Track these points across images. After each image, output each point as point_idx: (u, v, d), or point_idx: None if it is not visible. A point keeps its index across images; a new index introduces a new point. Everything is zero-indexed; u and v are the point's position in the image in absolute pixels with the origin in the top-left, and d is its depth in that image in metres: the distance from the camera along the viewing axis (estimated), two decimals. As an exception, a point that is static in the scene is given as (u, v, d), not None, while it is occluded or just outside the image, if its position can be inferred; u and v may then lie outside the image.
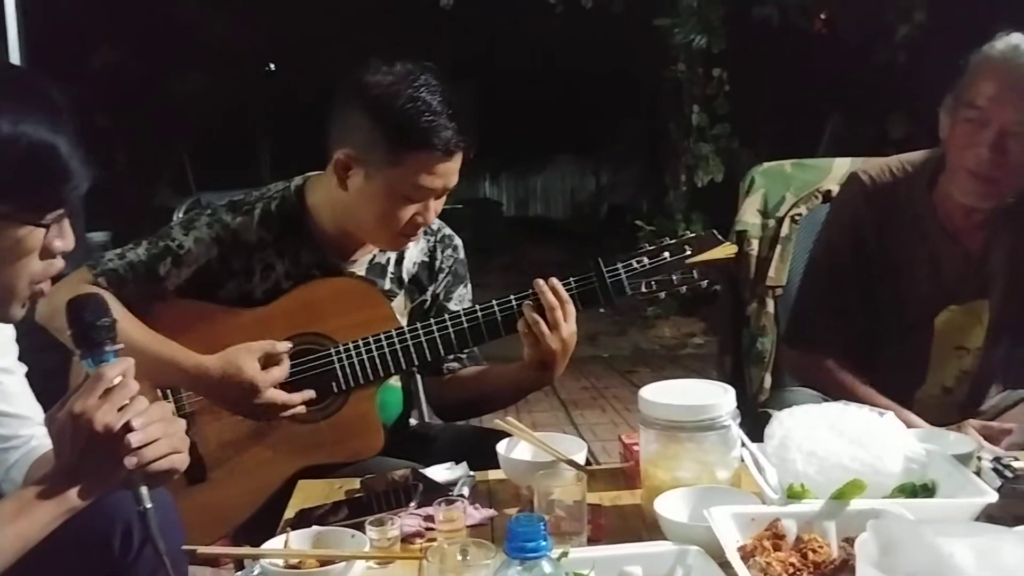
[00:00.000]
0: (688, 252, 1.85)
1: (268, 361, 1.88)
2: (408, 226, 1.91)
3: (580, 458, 1.72)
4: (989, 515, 1.50)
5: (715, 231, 1.90)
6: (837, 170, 2.60)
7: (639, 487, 1.66)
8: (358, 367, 1.91)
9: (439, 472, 1.71)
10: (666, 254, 1.85)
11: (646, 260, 1.85)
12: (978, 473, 1.66)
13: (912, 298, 2.14)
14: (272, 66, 11.61)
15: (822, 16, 7.62)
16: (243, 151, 11.55)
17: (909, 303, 2.14)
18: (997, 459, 1.69)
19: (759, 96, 8.16)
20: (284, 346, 1.90)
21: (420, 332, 1.91)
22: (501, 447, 1.74)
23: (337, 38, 9.48)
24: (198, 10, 9.33)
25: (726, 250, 1.87)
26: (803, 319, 2.28)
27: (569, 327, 1.85)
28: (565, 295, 1.84)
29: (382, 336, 1.91)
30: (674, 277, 1.85)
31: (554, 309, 1.82)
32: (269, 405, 1.87)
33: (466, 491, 1.66)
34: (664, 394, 1.61)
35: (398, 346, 1.91)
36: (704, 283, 1.86)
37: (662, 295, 1.88)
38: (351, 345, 1.91)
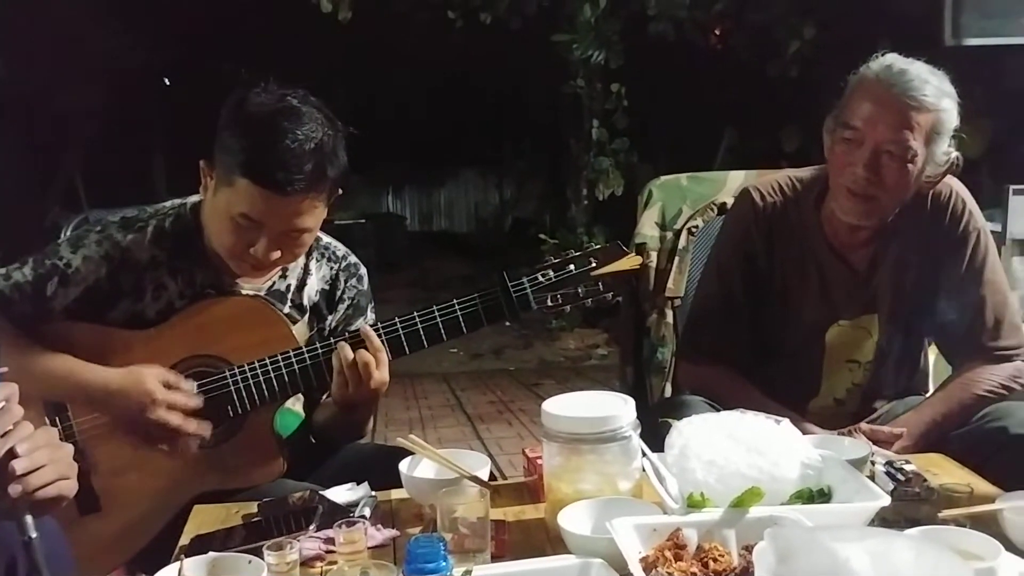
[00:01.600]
0: (593, 264, 1.85)
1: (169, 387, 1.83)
2: (247, 255, 1.86)
3: (484, 474, 1.71)
4: (883, 518, 1.54)
5: (620, 243, 1.91)
6: (731, 183, 2.66)
7: (543, 501, 1.66)
8: (255, 389, 1.86)
9: (340, 493, 1.68)
10: (571, 267, 1.85)
11: (551, 273, 1.84)
12: (872, 477, 1.70)
13: (802, 313, 2.19)
14: (167, 81, 11.35)
15: (716, 32, 7.78)
16: (137, 168, 11.27)
17: (799, 318, 2.19)
18: (889, 463, 1.73)
19: (657, 111, 8.29)
20: (189, 385, 1.84)
21: (319, 351, 1.87)
22: (403, 465, 1.72)
23: (233, 53, 9.34)
24: (89, 23, 9.08)
25: (631, 261, 1.87)
26: (695, 331, 2.32)
27: (381, 375, 1.83)
28: (378, 343, 1.82)
29: (279, 356, 1.86)
30: (579, 290, 1.85)
31: (367, 364, 1.81)
32: (163, 425, 1.81)
33: (367, 512, 1.64)
34: (566, 407, 1.61)
35: (296, 367, 1.86)
36: (609, 295, 1.87)
37: (567, 308, 1.88)
38: (247, 367, 1.86)
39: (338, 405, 1.91)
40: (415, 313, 1.86)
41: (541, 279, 1.84)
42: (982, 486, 1.71)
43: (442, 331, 1.85)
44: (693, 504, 1.47)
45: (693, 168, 3.01)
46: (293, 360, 1.86)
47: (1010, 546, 1.40)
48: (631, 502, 1.54)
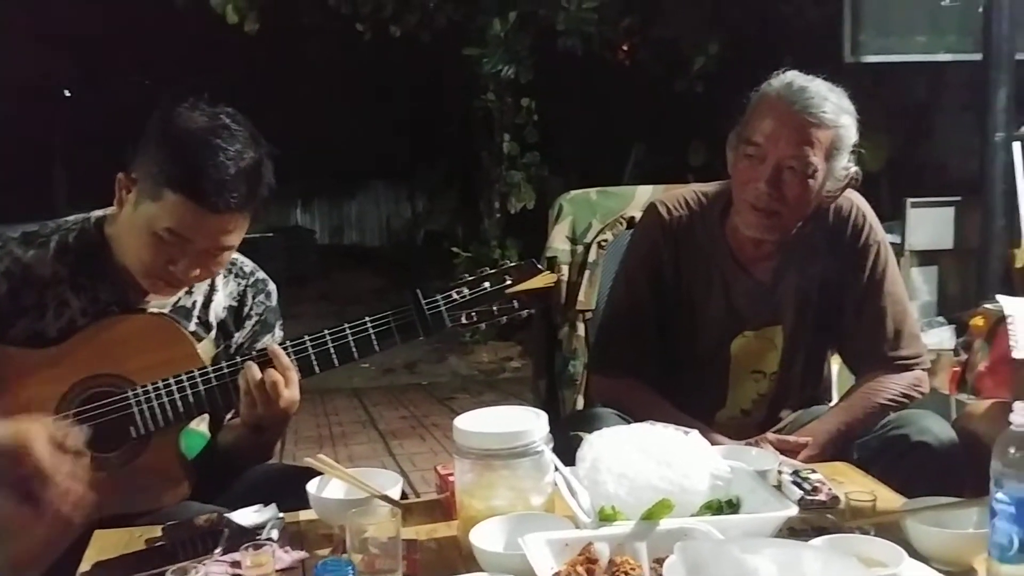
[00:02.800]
0: (508, 282, 1.83)
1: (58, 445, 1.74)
2: (165, 272, 1.82)
3: (395, 492, 1.68)
4: (791, 527, 1.56)
5: (534, 260, 1.90)
6: (639, 197, 2.69)
7: (456, 518, 1.64)
8: (158, 410, 1.80)
9: (246, 515, 1.64)
10: (486, 284, 1.83)
11: (466, 291, 1.82)
12: (779, 487, 1.73)
13: (708, 325, 2.22)
14: (68, 92, 11.06)
15: (624, 47, 7.89)
16: (38, 181, 10.94)
17: (706, 330, 2.22)
18: (796, 472, 1.77)
19: (567, 125, 8.36)
20: (78, 437, 1.76)
21: (226, 371, 1.82)
22: (311, 486, 1.69)
23: (137, 64, 9.14)
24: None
25: (545, 279, 1.86)
26: (606, 344, 2.33)
27: (291, 395, 1.80)
28: (287, 362, 1.79)
29: (184, 376, 1.81)
30: (494, 307, 1.83)
31: (276, 384, 1.77)
32: (45, 488, 1.72)
33: (275, 534, 1.60)
34: (477, 423, 1.60)
35: (202, 387, 1.81)
36: (524, 313, 1.86)
37: (482, 326, 1.87)
38: (151, 387, 1.81)
39: (246, 426, 1.86)
40: (325, 331, 1.82)
41: (456, 296, 1.82)
42: (885, 493, 1.74)
43: (354, 349, 1.82)
44: (604, 517, 1.47)
45: (603, 182, 3.04)
46: (199, 380, 1.81)
47: (913, 552, 1.44)
48: (544, 517, 1.54)
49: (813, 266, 2.18)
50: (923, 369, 2.19)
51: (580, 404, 2.63)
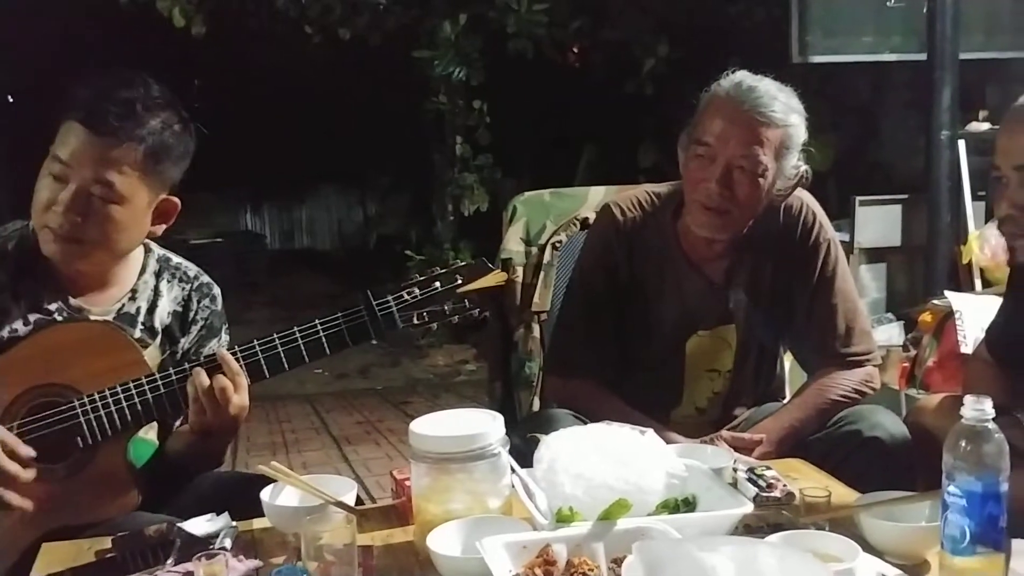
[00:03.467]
0: (459, 281, 1.82)
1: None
2: (48, 216, 1.80)
3: (350, 499, 1.67)
4: (747, 524, 1.57)
5: (484, 259, 1.90)
6: (592, 198, 2.69)
7: (412, 523, 1.63)
8: (105, 419, 1.76)
9: (199, 524, 1.61)
10: (437, 284, 1.81)
11: (417, 291, 1.80)
12: (734, 484, 1.73)
13: (663, 325, 2.23)
14: (11, 98, 10.86)
15: (574, 50, 7.91)
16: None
17: (660, 329, 2.23)
18: (751, 469, 1.77)
19: (519, 127, 8.37)
20: (29, 449, 1.73)
21: (173, 378, 1.79)
22: (265, 494, 1.66)
23: (80, 69, 8.97)
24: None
25: (496, 277, 1.85)
26: (561, 345, 2.34)
27: (240, 400, 1.77)
28: (236, 367, 1.76)
29: (131, 384, 1.77)
30: (446, 307, 1.81)
31: (225, 389, 1.75)
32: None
33: (228, 543, 1.57)
34: (433, 426, 1.59)
35: (149, 395, 1.77)
36: (476, 312, 1.85)
37: (434, 326, 1.85)
38: (96, 395, 1.77)
39: (195, 433, 1.83)
40: (275, 336, 1.80)
41: (407, 297, 1.80)
42: (839, 489, 1.76)
43: (304, 353, 1.79)
44: (562, 519, 1.47)
45: (555, 183, 3.04)
46: (146, 387, 1.78)
47: (867, 547, 1.45)
48: (501, 520, 1.53)
49: (765, 265, 2.20)
50: (874, 365, 2.21)
51: (536, 406, 2.62)
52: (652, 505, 1.56)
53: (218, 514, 1.66)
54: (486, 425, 1.58)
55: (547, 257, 2.68)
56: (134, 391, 1.77)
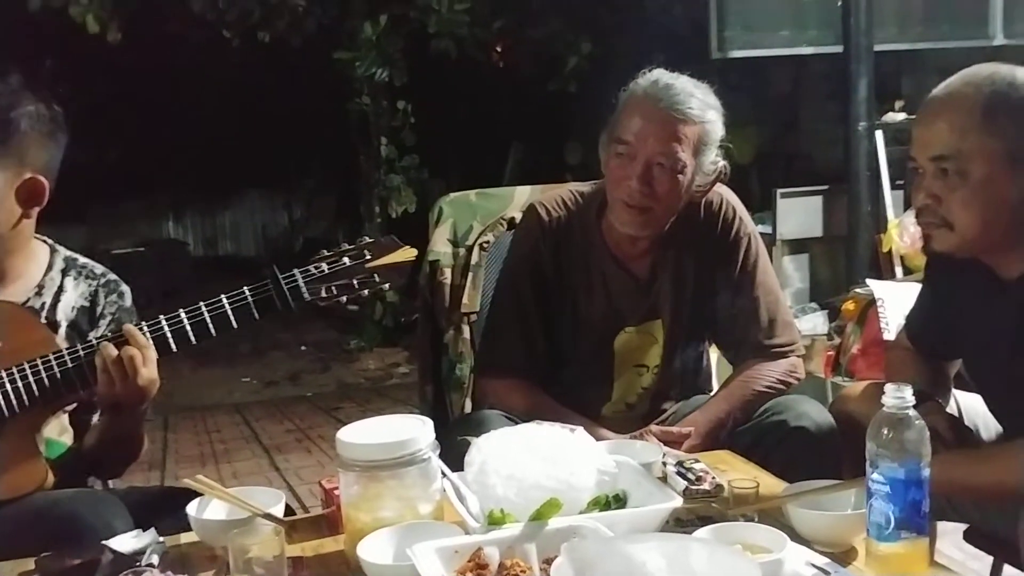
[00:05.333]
0: (368, 257, 1.84)
1: None
2: None
3: (278, 510, 1.64)
4: (677, 518, 1.58)
5: (394, 236, 1.92)
6: (519, 198, 2.69)
7: (343, 532, 1.61)
8: (12, 395, 1.76)
9: (125, 541, 1.57)
10: (345, 259, 1.83)
11: (324, 266, 1.82)
12: (664, 478, 1.75)
13: (590, 322, 2.24)
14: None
15: (498, 49, 7.92)
16: None
17: (588, 326, 2.24)
18: (680, 463, 1.78)
19: (445, 127, 8.35)
20: None
21: (81, 353, 1.79)
22: (192, 508, 1.63)
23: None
24: None
25: (405, 254, 1.88)
26: (491, 345, 2.34)
27: (149, 373, 1.78)
28: (143, 340, 1.78)
29: (38, 360, 1.78)
30: (355, 281, 1.84)
31: (133, 358, 1.76)
32: None
33: (155, 559, 1.53)
34: (361, 434, 1.57)
35: (57, 369, 1.78)
36: (386, 286, 1.87)
37: (343, 299, 1.86)
38: (3, 372, 1.77)
39: (104, 409, 1.85)
40: (181, 311, 1.82)
41: (314, 271, 1.82)
42: (767, 479, 1.78)
43: (210, 326, 1.81)
44: (493, 521, 1.46)
45: (484, 183, 3.03)
46: (53, 363, 1.78)
47: (795, 536, 1.47)
48: (433, 525, 1.52)
49: (688, 260, 2.22)
50: (798, 356, 2.25)
51: (468, 408, 2.61)
52: (584, 503, 1.56)
53: (144, 530, 1.63)
54: (415, 431, 1.56)
55: (475, 258, 2.68)
56: (41, 366, 1.78)
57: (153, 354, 1.79)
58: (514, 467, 1.55)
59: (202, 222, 14.01)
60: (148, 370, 1.78)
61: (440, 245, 2.71)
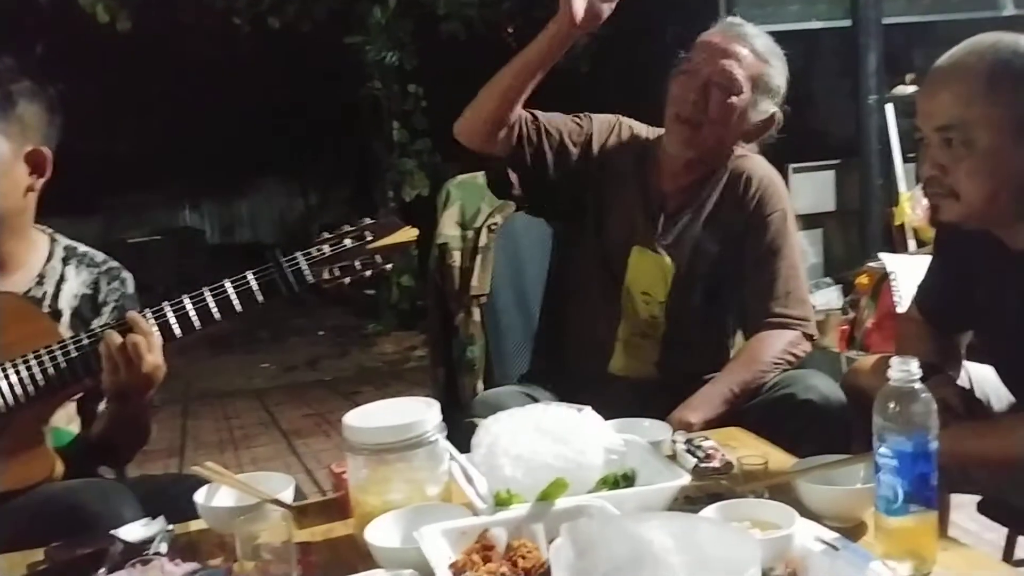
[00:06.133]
0: (369, 238, 1.85)
1: None
2: None
3: (287, 495, 1.64)
4: (686, 496, 1.57)
5: (395, 217, 1.95)
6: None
7: (352, 516, 1.61)
8: (18, 385, 1.78)
9: (134, 530, 1.58)
10: (347, 241, 1.84)
11: (326, 248, 1.84)
12: (673, 456, 1.74)
13: (615, 221, 2.30)
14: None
15: (509, 29, 7.88)
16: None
17: (613, 223, 2.30)
18: (689, 440, 1.78)
19: (457, 110, 8.32)
20: None
21: (85, 341, 1.80)
22: (199, 495, 1.64)
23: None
24: None
25: (407, 234, 1.89)
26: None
27: (154, 359, 1.79)
28: (147, 327, 1.79)
29: (42, 351, 1.79)
30: (357, 263, 1.85)
31: (137, 345, 1.77)
32: None
33: (164, 547, 1.54)
34: (368, 418, 1.57)
35: (61, 359, 1.79)
36: (388, 267, 1.88)
37: (347, 280, 1.87)
38: (7, 363, 1.78)
39: (110, 396, 1.86)
40: (184, 297, 1.83)
41: (315, 253, 1.84)
42: (777, 455, 1.77)
43: (215, 310, 1.83)
44: (500, 502, 1.46)
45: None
46: (57, 352, 1.80)
47: (805, 512, 1.46)
48: (440, 507, 1.52)
49: (716, 221, 2.26)
50: (806, 333, 2.23)
51: (480, 389, 2.62)
52: (592, 482, 1.56)
53: (153, 518, 1.64)
54: (422, 413, 1.56)
55: (483, 240, 2.68)
56: (45, 356, 1.79)
57: (157, 341, 1.80)
58: (522, 447, 1.55)
59: (219, 210, 14.09)
60: (153, 356, 1.78)
61: (448, 228, 2.72)
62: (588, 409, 1.68)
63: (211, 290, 1.83)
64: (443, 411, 1.60)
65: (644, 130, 2.38)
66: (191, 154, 11.28)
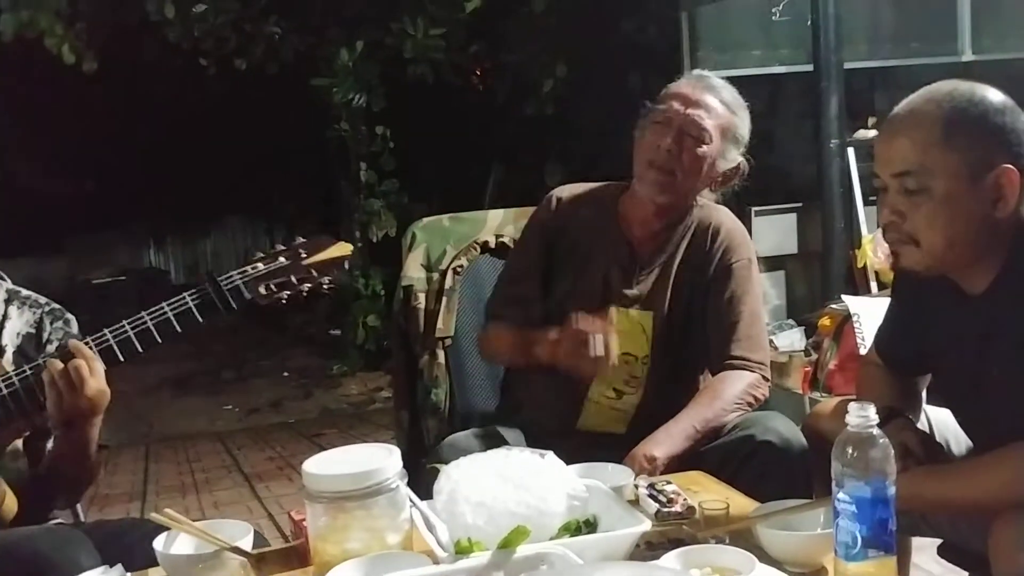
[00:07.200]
0: (303, 254, 1.91)
1: None
2: None
3: (246, 543, 1.62)
4: (648, 541, 1.57)
5: (328, 235, 1.99)
6: (491, 222, 2.71)
7: (312, 564, 1.59)
8: None
9: (90, 579, 1.56)
10: (281, 259, 1.90)
11: (260, 266, 1.89)
12: (636, 501, 1.74)
13: (587, 291, 2.30)
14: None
15: (477, 72, 7.95)
16: None
17: (585, 295, 2.29)
18: (651, 485, 1.78)
19: (425, 151, 8.36)
20: None
21: (27, 371, 1.82)
22: (159, 543, 1.61)
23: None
24: None
25: (341, 249, 1.95)
26: (492, 300, 2.48)
27: (97, 384, 1.81)
28: (89, 352, 1.81)
29: None
30: (293, 279, 1.89)
31: (79, 368, 1.79)
32: None
33: (120, 597, 1.52)
34: (327, 465, 1.56)
35: (4, 391, 1.81)
36: (326, 281, 1.93)
37: (284, 297, 1.91)
38: None
39: (56, 423, 1.86)
40: (124, 322, 1.85)
41: (251, 271, 1.88)
42: (739, 500, 1.78)
43: (155, 333, 1.85)
44: (461, 550, 1.45)
45: (465, 205, 3.04)
46: (1, 385, 1.81)
47: (765, 557, 1.46)
48: (400, 556, 1.51)
49: (687, 267, 2.30)
50: (764, 377, 2.26)
51: (445, 433, 2.60)
52: (555, 528, 1.55)
53: (111, 566, 1.61)
54: (382, 460, 1.55)
55: (449, 282, 2.68)
56: None
57: (100, 366, 1.81)
58: (484, 494, 1.54)
59: (183, 250, 14.01)
60: (96, 381, 1.80)
61: (413, 270, 2.72)
62: (550, 454, 1.67)
63: (149, 313, 1.86)
64: (408, 455, 1.60)
65: (585, 188, 2.44)
66: (156, 194, 11.24)
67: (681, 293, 2.29)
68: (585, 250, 2.34)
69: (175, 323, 1.85)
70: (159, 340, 1.86)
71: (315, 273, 1.91)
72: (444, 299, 2.68)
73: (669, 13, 5.88)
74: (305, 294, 1.91)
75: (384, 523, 1.53)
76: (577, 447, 1.99)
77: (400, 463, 1.58)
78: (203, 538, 1.61)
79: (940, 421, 1.98)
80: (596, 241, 2.34)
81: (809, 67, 4.81)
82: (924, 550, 2.11)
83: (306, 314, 9.01)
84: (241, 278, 1.87)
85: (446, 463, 1.66)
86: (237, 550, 1.58)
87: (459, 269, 2.69)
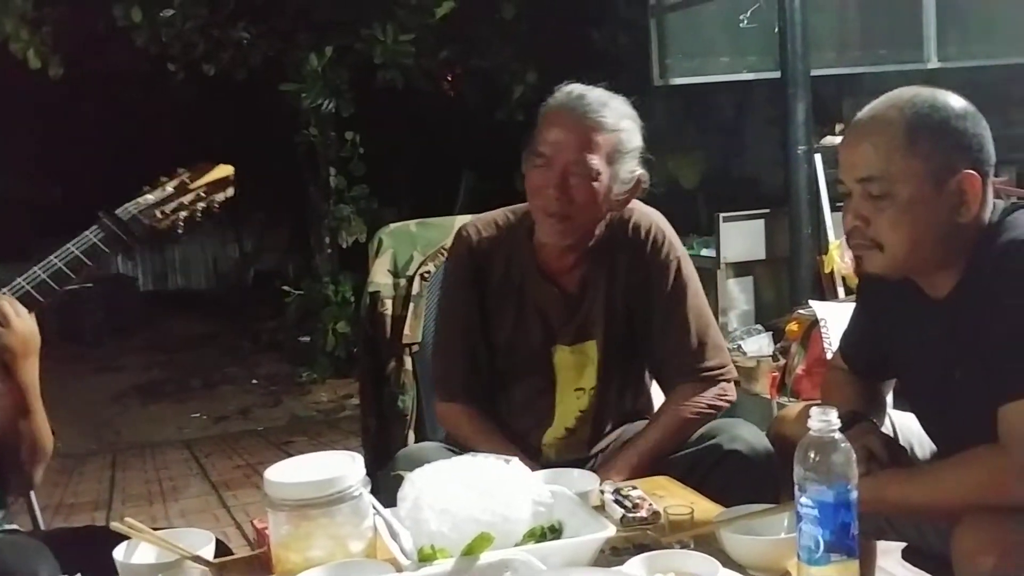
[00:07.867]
0: (188, 181, 2.05)
1: None
2: None
3: (208, 552, 1.60)
4: (613, 547, 1.57)
5: (208, 161, 2.13)
6: (458, 227, 2.69)
7: (274, 573, 1.58)
8: None
9: (47, 590, 1.53)
10: (169, 188, 2.03)
11: (150, 197, 2.01)
12: (602, 506, 1.74)
13: (525, 340, 2.24)
14: None
15: (448, 78, 7.93)
16: None
17: (524, 344, 2.24)
18: (617, 490, 1.78)
19: (395, 156, 8.34)
20: None
21: None
22: (119, 552, 1.59)
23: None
24: None
25: (223, 170, 2.11)
26: (440, 372, 2.34)
27: (22, 322, 1.86)
28: (8, 297, 1.86)
29: None
30: (184, 200, 2.03)
31: (1, 308, 1.84)
32: None
33: (78, 607, 1.50)
34: (290, 473, 1.55)
35: None
36: (218, 200, 2.09)
37: (180, 219, 2.03)
38: None
39: None
40: (35, 267, 1.92)
41: (141, 202, 2.00)
42: (704, 504, 1.78)
43: (65, 271, 1.92)
44: (424, 558, 1.44)
45: (436, 211, 3.03)
46: None
47: (729, 562, 1.46)
48: (363, 564, 1.49)
49: (618, 281, 2.22)
50: (727, 379, 2.23)
51: (411, 440, 2.59)
52: (519, 534, 1.55)
53: (71, 575, 1.59)
54: (345, 467, 1.54)
55: (416, 288, 2.68)
56: None
57: (22, 308, 1.87)
58: (448, 501, 1.54)
59: (151, 257, 13.87)
60: (21, 320, 1.86)
61: (380, 276, 2.71)
62: (515, 460, 1.67)
63: (57, 256, 1.92)
64: (375, 463, 1.59)
65: (495, 221, 2.32)
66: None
67: (619, 309, 2.22)
68: (513, 291, 2.24)
69: (83, 258, 1.93)
70: (73, 276, 1.93)
71: (204, 195, 2.05)
72: (411, 305, 2.67)
73: (638, 20, 5.90)
74: (199, 216, 2.05)
75: (347, 531, 1.52)
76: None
77: (363, 470, 1.57)
78: (164, 547, 1.59)
79: (904, 425, 2.00)
80: (523, 280, 2.24)
81: (777, 74, 4.83)
82: (889, 554, 2.12)
83: (275, 322, 8.96)
84: (136, 208, 1.98)
85: (408, 472, 1.65)
86: (198, 559, 1.56)
87: (426, 275, 2.69)
